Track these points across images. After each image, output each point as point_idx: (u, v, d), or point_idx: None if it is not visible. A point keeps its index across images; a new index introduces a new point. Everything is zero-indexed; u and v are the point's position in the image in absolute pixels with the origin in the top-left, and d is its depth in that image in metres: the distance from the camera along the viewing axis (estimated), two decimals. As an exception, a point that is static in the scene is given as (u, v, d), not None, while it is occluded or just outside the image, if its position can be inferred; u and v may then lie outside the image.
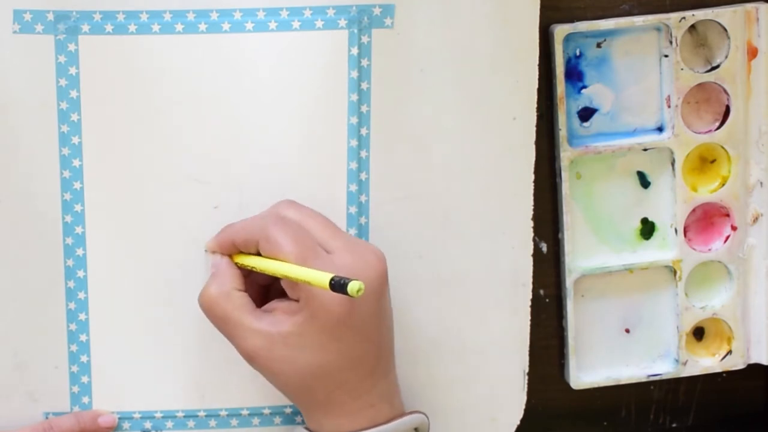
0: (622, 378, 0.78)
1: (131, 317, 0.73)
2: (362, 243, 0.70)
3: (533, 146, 0.74)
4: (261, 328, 0.67)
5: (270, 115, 0.71)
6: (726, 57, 0.75)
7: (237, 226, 0.70)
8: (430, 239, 0.74)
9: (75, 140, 0.71)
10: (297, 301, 0.67)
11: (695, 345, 0.79)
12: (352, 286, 0.63)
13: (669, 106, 0.75)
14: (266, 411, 0.75)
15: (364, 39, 0.71)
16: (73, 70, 0.70)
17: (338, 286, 0.63)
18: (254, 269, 0.69)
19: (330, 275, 0.64)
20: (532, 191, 0.75)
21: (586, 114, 0.76)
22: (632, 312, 0.78)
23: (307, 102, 0.71)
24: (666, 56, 0.75)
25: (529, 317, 0.76)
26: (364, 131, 0.72)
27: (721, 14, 0.75)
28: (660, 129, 0.76)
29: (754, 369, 0.80)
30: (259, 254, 0.69)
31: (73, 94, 0.71)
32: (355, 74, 0.71)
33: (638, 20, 0.74)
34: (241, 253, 0.70)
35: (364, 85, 0.72)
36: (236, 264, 0.70)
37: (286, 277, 0.67)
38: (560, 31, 0.73)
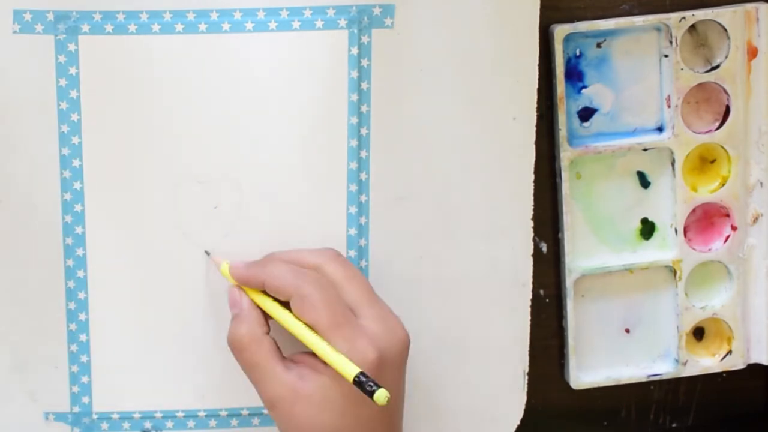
0: (622, 378, 0.78)
1: (131, 317, 0.73)
2: (392, 314, 0.69)
3: (533, 146, 0.74)
4: (287, 381, 0.67)
5: (270, 115, 0.71)
6: (726, 57, 0.75)
7: (272, 269, 0.69)
8: (430, 239, 0.74)
9: (75, 140, 0.71)
10: (323, 363, 0.67)
11: (695, 345, 0.79)
12: (379, 395, 0.63)
13: (669, 106, 0.75)
14: (266, 411, 0.75)
15: (364, 39, 0.71)
16: (73, 70, 0.70)
17: (364, 386, 0.64)
18: (279, 322, 0.68)
19: (356, 370, 0.64)
20: (532, 191, 0.75)
21: (586, 114, 0.76)
22: (632, 312, 0.78)
23: (307, 102, 0.71)
24: (666, 56, 0.75)
25: (529, 317, 0.76)
26: (364, 131, 0.72)
27: (721, 14, 0.75)
28: (660, 129, 0.76)
29: (754, 369, 0.80)
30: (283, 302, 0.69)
31: (73, 94, 0.71)
32: (355, 74, 0.71)
33: (638, 20, 0.74)
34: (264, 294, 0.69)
35: (364, 85, 0.72)
36: (259, 306, 0.69)
37: (311, 349, 0.67)
38: (560, 31, 0.73)
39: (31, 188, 0.71)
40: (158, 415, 0.74)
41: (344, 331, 0.66)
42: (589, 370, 0.78)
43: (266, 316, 0.69)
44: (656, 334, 0.79)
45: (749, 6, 0.75)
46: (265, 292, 0.69)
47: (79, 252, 0.72)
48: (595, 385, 0.78)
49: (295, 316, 0.67)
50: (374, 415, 0.67)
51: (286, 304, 0.68)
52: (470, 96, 0.73)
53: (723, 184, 0.77)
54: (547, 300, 0.78)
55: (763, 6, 0.75)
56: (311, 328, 0.67)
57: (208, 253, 0.72)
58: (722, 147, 0.77)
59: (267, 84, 0.71)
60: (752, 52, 0.75)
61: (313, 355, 0.67)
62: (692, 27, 0.75)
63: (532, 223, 0.75)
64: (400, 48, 0.72)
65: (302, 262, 0.70)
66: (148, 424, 0.75)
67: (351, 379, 0.64)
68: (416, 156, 0.73)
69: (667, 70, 0.75)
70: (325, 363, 0.66)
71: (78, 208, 0.72)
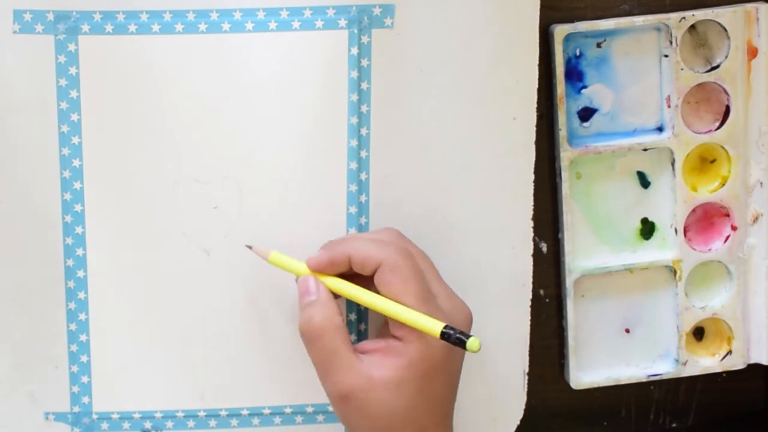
0: (622, 378, 0.78)
1: (131, 317, 0.73)
2: (455, 294, 0.70)
3: (533, 146, 0.74)
4: (362, 370, 0.67)
5: (270, 115, 0.71)
6: (726, 57, 0.75)
7: (354, 243, 0.69)
8: (430, 239, 0.74)
9: (75, 140, 0.71)
10: (398, 339, 0.67)
11: (695, 345, 0.79)
12: (472, 343, 0.64)
13: (669, 106, 0.75)
14: (266, 411, 0.75)
15: (364, 39, 0.71)
16: (73, 70, 0.70)
17: (453, 338, 0.64)
18: (353, 300, 0.68)
19: (441, 324, 0.65)
20: (532, 191, 0.75)
21: (586, 114, 0.76)
22: (632, 312, 0.78)
23: (307, 102, 0.71)
24: (666, 56, 0.75)
25: (529, 317, 0.76)
26: (364, 131, 0.72)
27: (721, 14, 0.75)
28: (660, 129, 0.76)
29: (754, 369, 0.80)
30: (359, 278, 0.68)
31: (73, 94, 0.71)
32: (355, 74, 0.71)
33: (638, 20, 0.74)
34: (339, 277, 0.69)
35: (364, 85, 0.72)
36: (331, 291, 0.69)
37: (396, 318, 0.66)
38: (560, 31, 0.73)
39: (31, 188, 0.71)
40: (158, 415, 0.74)
41: (428, 307, 0.66)
42: (589, 370, 0.78)
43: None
44: (656, 334, 0.79)
45: (749, 6, 0.75)
46: (339, 276, 0.68)
47: (79, 252, 0.72)
48: (595, 385, 0.78)
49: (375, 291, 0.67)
50: (442, 393, 0.68)
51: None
52: (470, 96, 0.73)
53: (723, 184, 0.77)
54: (547, 300, 0.78)
55: (763, 6, 0.75)
56: (395, 300, 0.67)
57: (249, 247, 0.71)
58: (722, 147, 0.77)
59: (267, 84, 0.71)
60: (752, 52, 0.75)
61: (383, 339, 0.68)
62: (692, 27, 0.75)
63: (532, 223, 0.75)
64: (400, 48, 0.72)
65: (378, 238, 0.69)
66: (148, 424, 0.75)
67: (438, 333, 0.64)
68: (416, 156, 0.73)
69: (667, 70, 0.75)
70: (401, 341, 0.66)
71: (78, 208, 0.72)
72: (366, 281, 0.69)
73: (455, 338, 0.65)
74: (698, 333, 0.80)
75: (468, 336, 0.65)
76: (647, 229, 0.78)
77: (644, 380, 0.79)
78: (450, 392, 0.69)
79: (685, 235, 0.77)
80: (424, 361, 0.66)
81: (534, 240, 0.76)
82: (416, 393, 0.67)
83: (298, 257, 0.71)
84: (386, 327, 0.70)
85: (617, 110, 0.76)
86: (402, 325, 0.67)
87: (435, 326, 0.65)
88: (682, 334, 0.78)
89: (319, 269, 0.69)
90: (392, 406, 0.66)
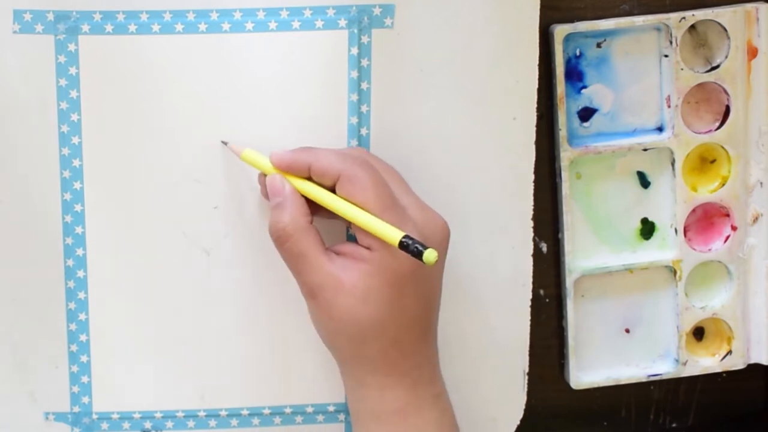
0: (622, 378, 0.78)
1: (131, 317, 0.73)
2: (428, 206, 0.69)
3: (533, 146, 0.74)
4: (331, 271, 0.66)
5: (270, 115, 0.71)
6: (726, 57, 0.75)
7: (318, 153, 0.67)
8: (430, 239, 0.74)
9: (75, 140, 0.71)
10: (368, 249, 0.66)
11: (695, 345, 0.79)
12: (429, 255, 0.62)
13: (669, 106, 0.75)
14: (266, 411, 0.75)
15: (364, 39, 0.71)
16: (73, 70, 0.70)
17: (410, 248, 0.63)
18: (319, 202, 0.67)
19: (401, 233, 0.64)
20: (532, 191, 0.75)
21: (586, 114, 0.76)
22: (632, 312, 0.78)
23: (307, 102, 0.71)
24: (666, 56, 0.75)
25: (529, 317, 0.76)
26: (364, 131, 0.72)
27: (721, 14, 0.75)
28: (660, 129, 0.76)
29: (754, 369, 0.80)
30: (325, 188, 0.68)
31: (73, 94, 0.71)
32: (355, 74, 0.71)
33: (638, 20, 0.74)
34: (306, 180, 0.68)
35: (364, 85, 0.72)
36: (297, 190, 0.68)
37: (357, 224, 0.66)
38: (560, 31, 0.73)
39: (31, 188, 0.71)
40: (158, 415, 0.74)
41: (392, 215, 0.66)
42: (589, 370, 0.78)
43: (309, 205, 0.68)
44: (656, 334, 0.79)
45: (749, 6, 0.75)
46: (307, 179, 0.68)
47: (79, 252, 0.72)
48: (595, 385, 0.78)
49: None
50: (415, 309, 0.67)
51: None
52: (470, 96, 0.73)
53: (723, 184, 0.77)
54: (547, 300, 0.78)
55: (763, 6, 0.75)
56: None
57: (225, 143, 0.71)
58: (722, 147, 0.77)
59: (267, 84, 0.71)
60: (752, 52, 0.75)
61: (356, 243, 0.67)
62: (692, 27, 0.75)
63: (532, 223, 0.75)
64: (400, 48, 0.72)
65: (340, 152, 0.69)
66: (148, 424, 0.75)
67: (397, 242, 0.63)
68: (416, 156, 0.73)
69: (667, 70, 0.75)
70: (369, 249, 0.66)
71: (78, 208, 0.72)
72: None
73: (413, 248, 0.63)
74: (698, 333, 0.80)
75: (425, 247, 0.63)
76: (647, 229, 0.78)
77: (644, 380, 0.79)
78: (426, 309, 0.68)
79: (685, 235, 0.77)
80: (391, 271, 0.66)
81: (534, 240, 0.76)
82: (384, 304, 0.66)
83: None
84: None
85: (617, 110, 0.76)
86: (366, 234, 0.66)
87: (394, 234, 0.64)
88: (682, 334, 0.78)
89: (279, 167, 0.68)
90: (359, 313, 0.66)
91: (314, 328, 0.69)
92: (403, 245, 0.64)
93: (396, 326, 0.67)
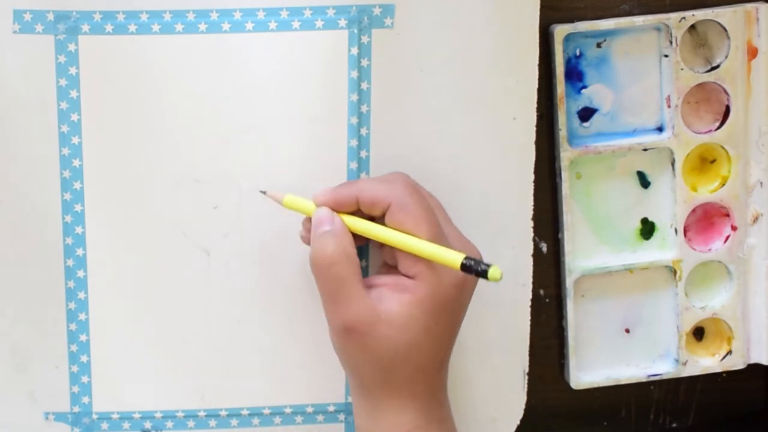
0: (622, 378, 0.78)
1: (131, 317, 0.73)
2: (464, 236, 0.69)
3: (533, 146, 0.74)
4: (369, 302, 0.65)
5: (270, 115, 0.71)
6: (726, 57, 0.75)
7: (364, 185, 0.68)
8: (430, 239, 0.74)
9: (75, 140, 0.71)
10: (410, 278, 0.66)
11: (695, 345, 0.79)
12: (494, 272, 0.62)
13: (669, 106, 0.75)
14: (266, 411, 0.75)
15: (364, 39, 0.71)
16: (73, 70, 0.70)
17: (473, 268, 0.63)
18: (366, 235, 0.67)
19: (462, 255, 0.63)
20: (532, 191, 0.75)
21: (586, 114, 0.76)
22: (632, 312, 0.78)
23: (307, 102, 0.71)
24: (666, 56, 0.75)
25: (529, 317, 0.76)
26: (364, 131, 0.72)
27: (721, 14, 0.75)
28: (660, 129, 0.76)
29: (754, 369, 0.80)
30: (372, 219, 0.67)
31: (73, 94, 0.71)
32: (355, 74, 0.71)
33: (638, 20, 0.74)
34: (351, 214, 0.68)
35: (364, 85, 0.72)
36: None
37: (413, 251, 0.65)
38: (560, 31, 0.73)
39: (31, 188, 0.71)
40: (158, 415, 0.74)
41: (439, 243, 0.66)
42: (589, 370, 0.78)
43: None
44: (656, 334, 0.79)
45: (749, 6, 0.75)
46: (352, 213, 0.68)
47: (79, 252, 0.72)
48: (595, 385, 0.78)
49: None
50: (445, 335, 0.67)
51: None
52: (470, 96, 0.73)
53: (723, 184, 0.77)
54: (547, 300, 0.78)
55: (763, 6, 0.75)
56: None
57: (263, 192, 0.71)
58: (722, 147, 0.77)
59: (267, 84, 0.71)
60: (752, 52, 0.75)
61: (392, 275, 0.67)
62: (692, 27, 0.75)
63: (532, 223, 0.75)
64: (400, 48, 0.72)
65: (387, 179, 0.68)
66: (148, 424, 0.75)
67: (459, 264, 0.63)
68: (416, 156, 0.73)
69: (667, 70, 0.75)
70: (413, 279, 0.66)
71: (78, 208, 0.72)
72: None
73: (477, 269, 0.63)
74: (698, 333, 0.80)
75: (489, 265, 0.63)
76: (647, 229, 0.78)
77: (644, 380, 0.79)
78: (453, 335, 0.68)
79: (685, 235, 0.77)
80: (434, 299, 0.65)
81: (534, 240, 0.76)
82: (421, 331, 0.66)
83: (298, 258, 0.71)
84: (386, 267, 0.70)
85: (617, 110, 0.76)
86: (414, 263, 0.66)
87: (455, 257, 0.64)
88: (682, 334, 0.78)
89: (327, 204, 0.68)
90: (395, 342, 0.65)
91: (335, 351, 0.69)
92: (465, 267, 0.64)
93: (425, 352, 0.67)
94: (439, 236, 0.66)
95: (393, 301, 0.66)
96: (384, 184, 0.67)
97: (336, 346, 0.68)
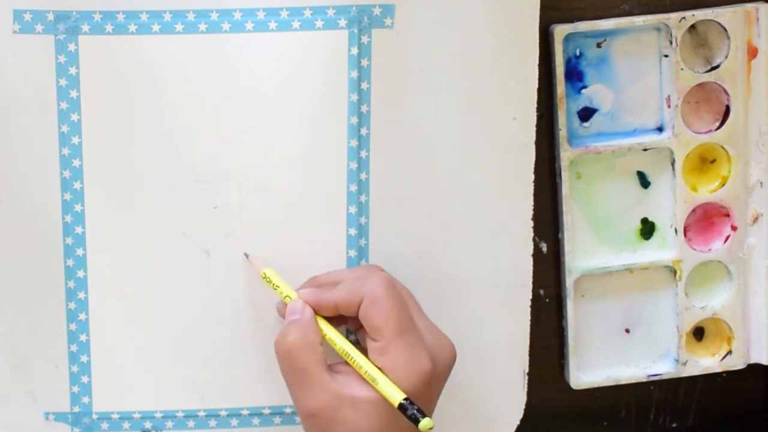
0: (622, 378, 0.78)
1: (131, 317, 0.73)
2: (437, 328, 0.70)
3: (533, 146, 0.74)
4: (334, 389, 0.67)
5: (270, 115, 0.71)
6: (726, 57, 0.75)
7: (340, 291, 0.69)
8: (430, 239, 0.74)
9: (75, 140, 0.71)
10: (378, 368, 0.67)
11: (695, 345, 0.79)
12: (424, 424, 0.64)
13: (669, 106, 0.75)
14: (266, 411, 0.75)
15: (364, 39, 0.71)
16: (73, 70, 0.70)
17: (409, 412, 0.64)
18: (331, 343, 0.69)
19: (402, 396, 0.65)
20: (532, 191, 0.75)
21: (586, 114, 0.76)
22: (632, 312, 0.78)
23: (307, 102, 0.71)
24: (666, 56, 0.75)
25: (529, 317, 0.76)
26: (364, 131, 0.72)
27: (721, 14, 0.75)
28: (660, 129, 0.76)
29: (754, 369, 0.80)
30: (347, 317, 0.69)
31: (73, 94, 0.71)
32: (355, 74, 0.71)
33: (638, 20, 0.74)
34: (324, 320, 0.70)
35: (364, 85, 0.72)
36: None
37: (363, 375, 0.67)
38: (560, 31, 0.73)
39: (31, 188, 0.71)
40: (158, 415, 0.74)
41: (408, 338, 0.67)
42: (589, 370, 0.78)
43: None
44: (656, 334, 0.79)
45: (749, 6, 0.75)
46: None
47: (79, 252, 0.72)
48: (595, 385, 0.78)
49: (344, 335, 0.69)
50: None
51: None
52: (470, 96, 0.73)
53: (723, 184, 0.77)
54: (547, 300, 0.78)
55: (763, 6, 0.75)
56: (375, 334, 0.67)
57: (246, 255, 0.72)
58: (722, 147, 0.77)
59: (267, 84, 0.71)
60: (752, 52, 0.75)
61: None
62: (692, 27, 0.75)
63: (532, 223, 0.75)
64: (400, 48, 0.72)
65: (359, 275, 0.70)
66: (148, 424, 0.75)
67: (396, 404, 0.65)
68: (416, 156, 0.73)
69: (667, 70, 0.75)
70: (378, 367, 0.67)
71: (78, 208, 0.72)
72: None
73: (411, 413, 0.64)
74: (698, 333, 0.80)
75: (423, 415, 0.64)
76: (647, 229, 0.78)
77: (644, 380, 0.79)
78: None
79: (685, 235, 0.77)
80: (401, 387, 0.66)
81: (534, 240, 0.76)
82: (385, 418, 0.66)
83: (299, 258, 0.71)
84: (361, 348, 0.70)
85: (617, 110, 0.76)
86: (379, 355, 0.67)
87: (395, 396, 0.65)
88: (682, 334, 0.78)
89: (306, 302, 0.70)
90: (359, 426, 0.66)
91: None
92: (402, 407, 0.65)
93: None
94: (407, 332, 0.67)
95: (359, 387, 0.67)
96: (354, 282, 0.69)
97: (304, 428, 0.69)
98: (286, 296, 0.70)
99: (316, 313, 0.69)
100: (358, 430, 0.66)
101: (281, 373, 0.69)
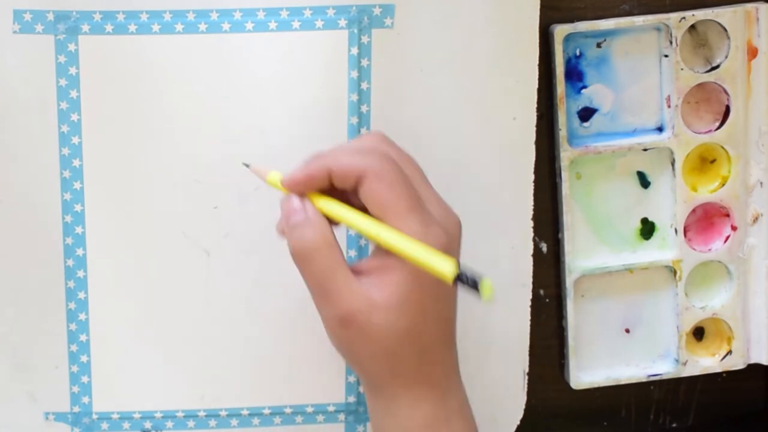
0: (622, 378, 0.78)
1: (131, 317, 0.73)
2: (442, 199, 0.65)
3: (533, 146, 0.74)
4: (362, 291, 0.61)
5: (270, 115, 0.71)
6: (726, 57, 0.75)
7: (335, 156, 0.62)
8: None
9: (75, 140, 0.71)
10: (395, 257, 0.61)
11: (695, 345, 0.79)
12: (486, 289, 0.56)
13: (669, 106, 0.75)
14: (266, 411, 0.75)
15: (364, 39, 0.71)
16: (73, 70, 0.70)
17: (468, 281, 0.57)
18: (342, 223, 0.62)
19: (455, 268, 0.57)
20: (532, 191, 0.75)
21: (586, 114, 0.76)
22: (632, 312, 0.78)
23: (307, 102, 0.71)
24: (666, 56, 0.75)
25: (529, 317, 0.76)
26: (364, 131, 0.72)
27: (721, 14, 0.75)
28: (660, 129, 0.76)
29: (754, 369, 0.80)
30: (343, 193, 0.63)
31: (73, 94, 0.71)
32: (355, 74, 0.71)
33: (638, 20, 0.74)
34: (323, 195, 0.63)
35: (364, 85, 0.72)
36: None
37: (403, 255, 0.60)
38: (560, 31, 0.73)
39: (31, 188, 0.71)
40: (158, 415, 0.74)
41: (420, 214, 0.61)
42: (589, 370, 0.78)
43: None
44: (656, 334, 0.79)
45: (749, 6, 0.75)
46: (326, 195, 0.63)
47: (79, 252, 0.72)
48: (595, 385, 0.78)
49: (365, 212, 0.62)
50: (446, 312, 0.63)
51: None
52: (470, 96, 0.73)
53: (723, 184, 0.77)
54: (547, 300, 0.78)
55: (763, 6, 0.75)
56: (384, 212, 0.61)
57: (247, 165, 0.68)
58: (722, 147, 0.77)
59: (267, 84, 0.71)
60: (752, 52, 0.75)
61: (380, 255, 0.62)
62: (692, 27, 0.75)
63: (532, 223, 0.75)
64: (400, 48, 0.72)
65: (358, 148, 0.63)
66: (148, 424, 0.75)
67: (451, 278, 0.57)
68: (416, 156, 0.73)
69: (667, 70, 0.75)
70: (397, 259, 0.61)
71: (78, 208, 0.72)
72: (353, 198, 0.63)
73: (470, 281, 0.57)
74: (698, 333, 0.80)
75: (481, 277, 0.57)
76: (647, 229, 0.78)
77: (644, 380, 0.79)
78: (452, 311, 0.65)
79: (685, 235, 0.77)
80: (423, 277, 0.61)
81: (534, 240, 0.76)
82: (419, 312, 0.62)
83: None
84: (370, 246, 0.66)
85: (617, 110, 0.76)
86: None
87: (448, 269, 0.58)
88: (682, 334, 0.78)
89: (297, 187, 0.63)
90: (396, 327, 0.61)
91: (336, 349, 0.65)
92: (462, 279, 0.58)
93: (429, 333, 0.63)
94: (415, 210, 0.61)
95: (384, 285, 0.61)
96: (356, 155, 0.62)
97: (335, 343, 0.64)
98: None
99: (309, 190, 0.63)
100: (397, 331, 0.61)
101: (305, 283, 0.63)
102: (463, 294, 0.73)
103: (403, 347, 0.62)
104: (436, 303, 0.63)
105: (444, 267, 0.58)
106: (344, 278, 0.62)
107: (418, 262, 0.60)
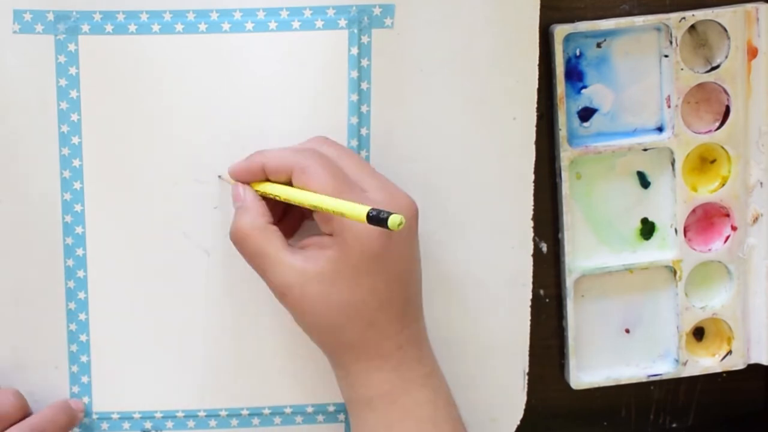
0: (622, 378, 0.78)
1: (131, 317, 0.73)
2: (394, 185, 0.69)
3: (533, 146, 0.74)
4: (295, 264, 0.67)
5: (270, 115, 0.71)
6: (726, 57, 0.75)
7: (270, 153, 0.69)
8: (430, 239, 0.74)
9: (75, 140, 0.71)
10: (330, 235, 0.67)
11: (695, 345, 0.79)
12: (393, 219, 0.61)
13: (669, 106, 0.75)
14: (266, 411, 0.75)
15: (364, 39, 0.71)
16: (73, 70, 0.70)
17: (377, 218, 0.62)
18: (280, 198, 0.68)
19: (367, 207, 0.63)
20: (532, 191, 0.75)
21: (586, 114, 0.76)
22: (632, 312, 0.78)
23: (307, 102, 0.71)
24: (666, 56, 0.75)
25: (529, 317, 0.76)
26: (364, 131, 0.72)
27: (721, 14, 0.75)
28: (660, 129, 0.76)
29: (754, 369, 0.80)
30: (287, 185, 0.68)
31: (73, 94, 0.71)
32: (355, 74, 0.71)
33: (638, 20, 0.74)
34: (267, 181, 0.69)
35: (364, 85, 0.72)
36: (260, 194, 0.69)
37: (320, 209, 0.66)
38: (560, 31, 0.73)
39: (31, 188, 0.71)
40: (158, 415, 0.74)
41: (349, 198, 0.66)
42: (589, 370, 0.78)
43: (272, 209, 0.69)
44: (656, 334, 0.79)
45: (749, 6, 0.75)
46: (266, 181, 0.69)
47: (79, 252, 0.72)
48: (595, 385, 0.78)
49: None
50: (387, 289, 0.67)
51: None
52: (470, 96, 0.73)
53: (723, 184, 0.77)
54: (547, 300, 0.78)
55: (763, 6, 0.75)
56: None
57: (220, 177, 0.72)
58: (722, 147, 0.77)
59: (267, 84, 0.71)
60: (752, 52, 0.75)
61: (317, 235, 0.68)
62: (692, 27, 0.75)
63: (532, 223, 0.75)
64: (400, 48, 0.72)
65: (294, 148, 0.70)
66: (148, 424, 0.75)
67: (364, 217, 0.63)
68: (416, 156, 0.73)
69: (667, 70, 0.75)
70: (331, 236, 0.66)
71: (78, 208, 0.72)
72: None
73: (379, 218, 0.62)
74: (698, 333, 0.80)
75: (389, 213, 0.62)
76: (647, 229, 0.78)
77: (644, 380, 0.79)
78: (400, 289, 0.68)
79: (685, 235, 0.77)
80: (357, 253, 0.66)
81: (534, 240, 0.76)
82: (354, 286, 0.66)
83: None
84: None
85: (617, 110, 0.76)
86: (327, 220, 0.66)
87: (361, 210, 0.63)
88: (682, 334, 0.78)
89: (238, 176, 0.70)
90: (329, 299, 0.66)
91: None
92: (371, 218, 0.62)
93: (369, 308, 0.67)
94: (345, 192, 0.66)
95: (318, 259, 0.66)
96: (288, 152, 0.69)
97: (292, 317, 0.69)
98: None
99: (249, 180, 0.69)
100: (330, 304, 0.66)
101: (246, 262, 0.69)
102: (454, 290, 0.73)
103: (343, 319, 0.67)
104: (372, 279, 0.66)
105: (358, 210, 0.63)
106: (275, 256, 0.67)
107: (335, 211, 0.64)
